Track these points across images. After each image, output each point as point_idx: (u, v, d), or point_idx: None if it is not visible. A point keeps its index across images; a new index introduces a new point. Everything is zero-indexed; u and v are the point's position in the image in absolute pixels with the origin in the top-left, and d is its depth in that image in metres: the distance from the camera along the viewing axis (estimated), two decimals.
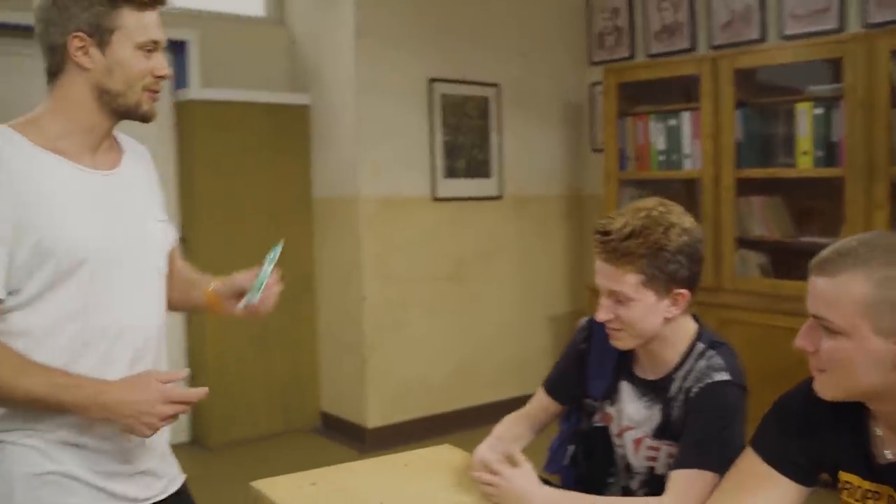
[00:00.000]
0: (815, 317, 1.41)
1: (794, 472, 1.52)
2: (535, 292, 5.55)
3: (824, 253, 1.42)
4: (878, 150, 3.87)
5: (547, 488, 1.84)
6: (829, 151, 4.14)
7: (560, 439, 2.19)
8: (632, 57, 5.40)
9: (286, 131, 5.05)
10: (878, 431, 1.45)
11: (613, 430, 1.97)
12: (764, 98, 4.53)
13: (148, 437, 1.58)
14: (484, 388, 5.16)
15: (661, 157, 4.84)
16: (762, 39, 4.69)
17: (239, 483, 2.07)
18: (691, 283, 1.83)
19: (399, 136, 4.91)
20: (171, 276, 1.88)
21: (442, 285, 5.10)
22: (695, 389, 1.79)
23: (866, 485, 1.47)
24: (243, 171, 4.91)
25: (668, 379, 1.87)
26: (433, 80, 5.03)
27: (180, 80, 4.80)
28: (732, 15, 4.85)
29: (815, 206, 4.40)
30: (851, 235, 1.41)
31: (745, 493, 1.53)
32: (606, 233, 1.82)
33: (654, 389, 1.90)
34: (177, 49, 4.77)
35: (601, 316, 1.86)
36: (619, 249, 1.78)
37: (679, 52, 5.08)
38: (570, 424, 2.18)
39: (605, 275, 1.84)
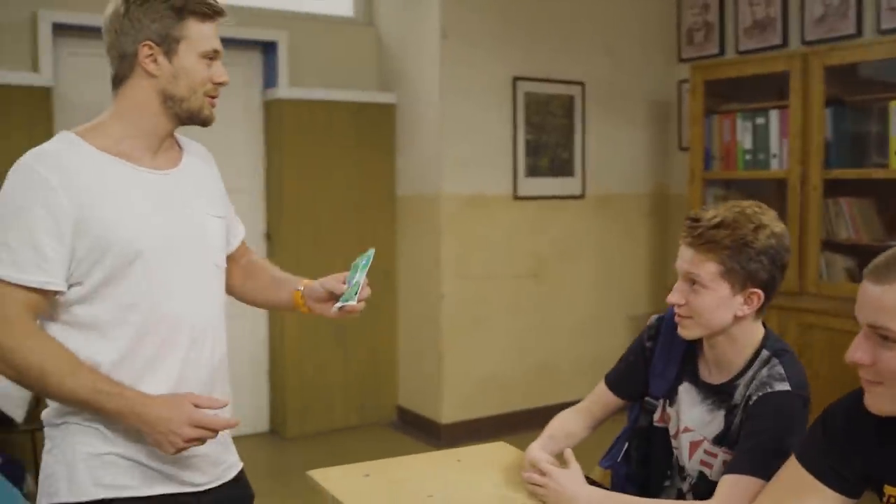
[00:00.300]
0: (871, 326, 1.37)
1: (838, 484, 1.49)
2: (616, 291, 5.51)
3: (879, 259, 1.39)
4: None
5: (592, 488, 1.85)
6: None
7: (622, 435, 2.19)
8: (721, 53, 5.30)
9: (372, 130, 5.15)
10: None
11: (671, 430, 1.97)
12: (856, 95, 4.38)
13: (171, 454, 1.63)
14: (560, 387, 5.15)
15: (748, 157, 4.74)
16: (858, 34, 4.54)
17: (301, 476, 2.14)
18: (768, 286, 1.82)
19: (482, 135, 4.95)
20: (253, 275, 2.00)
21: (521, 283, 5.12)
22: (754, 397, 1.78)
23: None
24: (329, 168, 5.03)
25: (732, 385, 1.86)
26: (517, 79, 5.05)
27: (270, 79, 4.95)
28: (826, 9, 4.71)
29: None
30: None
31: (788, 502, 1.51)
32: (697, 219, 1.84)
33: (717, 394, 1.88)
34: (267, 49, 4.92)
35: (673, 298, 1.87)
36: (704, 236, 1.80)
37: (770, 49, 4.96)
38: (631, 422, 2.18)
39: (686, 259, 1.84)
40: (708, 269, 1.80)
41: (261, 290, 2.02)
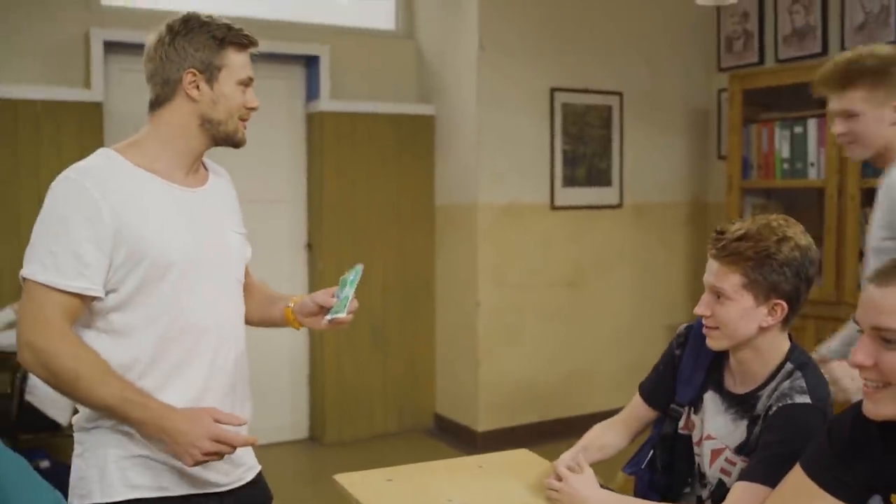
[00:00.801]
0: (873, 328, 1.41)
1: (841, 492, 1.52)
2: (654, 300, 5.52)
3: (883, 265, 1.43)
4: None
5: (604, 492, 1.90)
6: None
7: (648, 442, 2.21)
8: (761, 62, 5.29)
9: (411, 141, 5.25)
10: None
11: (694, 437, 2.00)
12: None
13: (189, 465, 1.71)
14: (597, 396, 5.17)
15: (786, 166, 4.73)
16: None
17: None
18: (793, 298, 1.84)
19: (519, 146, 5.01)
20: (249, 294, 2.07)
21: (557, 292, 5.16)
22: (774, 408, 1.80)
23: None
24: (369, 179, 5.13)
25: (755, 395, 1.88)
26: (555, 90, 5.10)
27: (312, 92, 5.07)
28: (867, 17, 4.68)
29: None
30: None
31: None
32: (722, 232, 1.88)
33: (740, 403, 1.91)
34: (309, 63, 5.04)
35: (699, 309, 1.90)
36: (728, 248, 1.83)
37: (810, 57, 4.93)
38: (658, 429, 2.21)
39: (711, 271, 1.88)
40: (731, 280, 1.83)
41: (256, 309, 2.09)
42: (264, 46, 1.94)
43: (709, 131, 5.71)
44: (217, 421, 1.73)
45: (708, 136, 5.71)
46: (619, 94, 5.33)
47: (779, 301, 1.83)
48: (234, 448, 1.74)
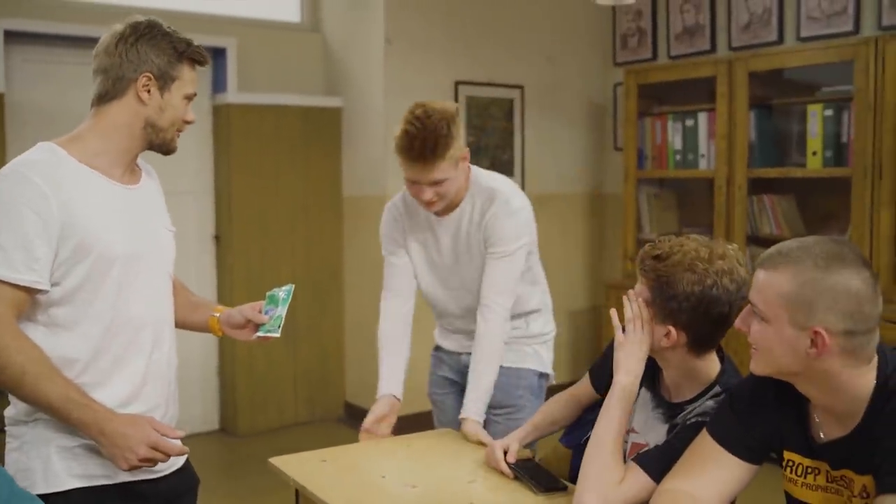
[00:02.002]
0: (750, 303, 1.62)
1: (742, 452, 1.69)
2: (554, 288, 5.66)
3: (770, 250, 1.61)
4: (885, 151, 4.00)
5: (635, 375, 1.91)
6: (838, 152, 4.27)
7: (588, 421, 2.22)
8: (654, 58, 5.55)
9: (318, 133, 5.29)
10: (816, 417, 1.64)
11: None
12: (778, 99, 4.66)
13: (123, 469, 1.75)
14: None
15: (678, 157, 5.00)
16: (780, 41, 4.81)
17: (262, 468, 2.30)
18: (689, 330, 1.85)
19: None
20: (176, 295, 2.11)
21: None
22: (691, 420, 1.87)
23: (807, 462, 1.65)
24: (277, 171, 5.16)
25: (681, 408, 1.93)
26: (459, 83, 5.23)
27: (219, 84, 5.06)
28: (751, 17, 4.97)
29: (825, 205, 4.53)
30: (845, 235, 1.58)
31: (699, 469, 1.71)
32: (654, 245, 1.92)
33: (668, 409, 1.97)
34: (216, 55, 5.03)
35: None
36: (644, 263, 1.90)
37: (699, 54, 5.21)
38: (597, 411, 2.28)
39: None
40: (644, 293, 1.89)
41: (178, 311, 2.12)
42: None
43: (605, 124, 5.95)
44: (155, 429, 1.77)
45: (605, 129, 5.96)
46: (521, 87, 5.50)
47: (671, 328, 1.85)
48: (169, 457, 1.79)
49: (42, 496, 1.73)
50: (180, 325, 2.16)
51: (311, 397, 5.41)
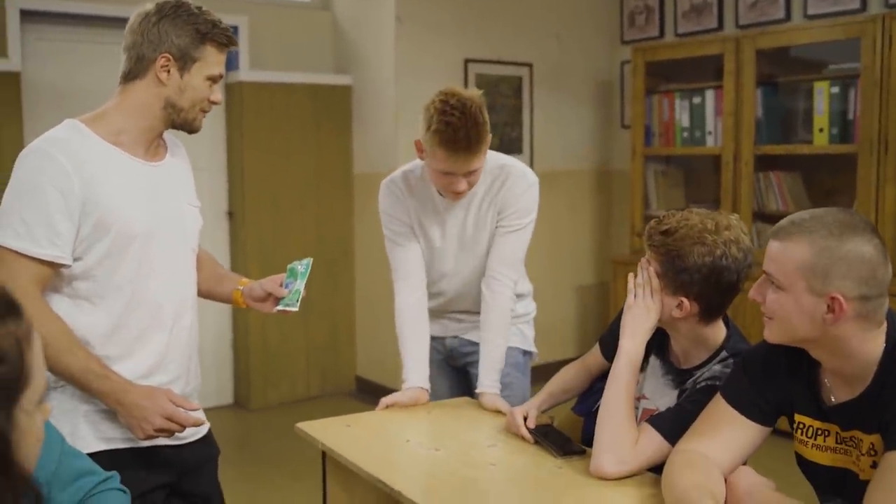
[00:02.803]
0: (765, 273, 1.67)
1: (755, 414, 1.76)
2: (563, 263, 5.81)
3: (783, 222, 1.67)
4: (891, 127, 4.06)
5: (639, 349, 1.99)
6: (843, 129, 4.33)
7: (594, 388, 2.30)
8: (661, 36, 5.59)
9: (329, 111, 5.35)
10: (827, 381, 1.71)
11: (635, 393, 2.09)
12: (785, 77, 4.71)
13: (140, 438, 1.83)
14: None
15: (685, 134, 5.05)
16: (787, 18, 4.85)
17: (276, 440, 2.36)
18: (701, 299, 1.91)
19: None
20: (199, 266, 2.15)
21: None
22: (702, 384, 1.95)
23: (817, 424, 1.72)
24: (288, 148, 5.22)
25: (690, 373, 2.01)
26: (469, 61, 5.28)
27: (231, 62, 5.08)
28: None
29: (831, 181, 4.60)
30: (851, 208, 1.62)
31: (713, 431, 1.78)
32: (659, 221, 1.98)
33: (678, 375, 2.05)
34: None
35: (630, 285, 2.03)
36: (652, 238, 1.96)
37: (706, 32, 5.25)
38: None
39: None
40: (654, 266, 1.95)
41: (203, 282, 2.17)
42: None
43: (613, 101, 6.00)
44: (171, 401, 1.83)
45: (612, 106, 6.00)
46: (530, 65, 5.55)
47: (683, 299, 1.92)
48: (184, 428, 1.85)
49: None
50: (206, 295, 2.22)
51: (323, 372, 5.50)
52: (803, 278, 1.59)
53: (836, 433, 1.69)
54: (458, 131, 2.27)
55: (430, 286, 2.67)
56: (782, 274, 1.62)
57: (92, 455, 1.83)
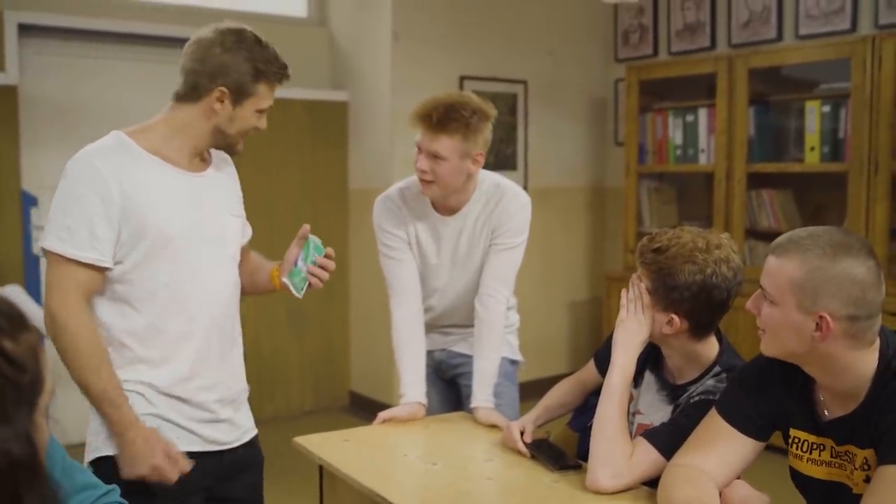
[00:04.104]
0: (761, 286, 1.70)
1: (749, 429, 1.79)
2: (556, 279, 5.84)
3: (781, 238, 1.70)
4: (881, 146, 4.11)
5: (631, 362, 2.00)
6: (834, 147, 4.38)
7: (589, 403, 2.32)
8: (655, 54, 5.64)
9: (325, 126, 5.38)
10: (821, 396, 1.73)
11: (631, 408, 2.13)
12: (777, 95, 4.77)
13: (122, 475, 1.85)
14: None
15: (678, 152, 5.10)
16: (779, 38, 4.91)
17: (271, 455, 2.38)
18: (691, 317, 1.94)
19: None
20: (244, 266, 2.21)
21: None
22: (696, 398, 1.97)
23: (812, 438, 1.75)
24: (284, 163, 5.25)
25: (685, 389, 2.03)
26: (464, 78, 5.32)
27: None
28: (751, 14, 5.07)
29: (822, 199, 4.64)
30: (846, 227, 1.66)
31: (708, 446, 1.80)
32: (651, 238, 2.01)
33: (672, 391, 2.07)
34: None
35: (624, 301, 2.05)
36: (644, 256, 1.99)
37: (700, 51, 5.31)
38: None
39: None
40: (645, 283, 1.98)
41: (248, 275, 2.23)
42: (179, 31, 2.00)
43: (607, 119, 6.05)
44: (169, 455, 1.88)
45: (606, 124, 6.05)
46: (524, 82, 5.60)
47: (674, 315, 1.94)
48: (171, 480, 1.88)
49: (104, 458, 1.91)
50: (251, 290, 2.26)
51: (317, 386, 5.50)
52: (793, 295, 1.62)
53: (832, 447, 1.71)
54: (434, 105, 2.39)
55: (422, 301, 2.70)
56: (774, 288, 1.65)
57: None
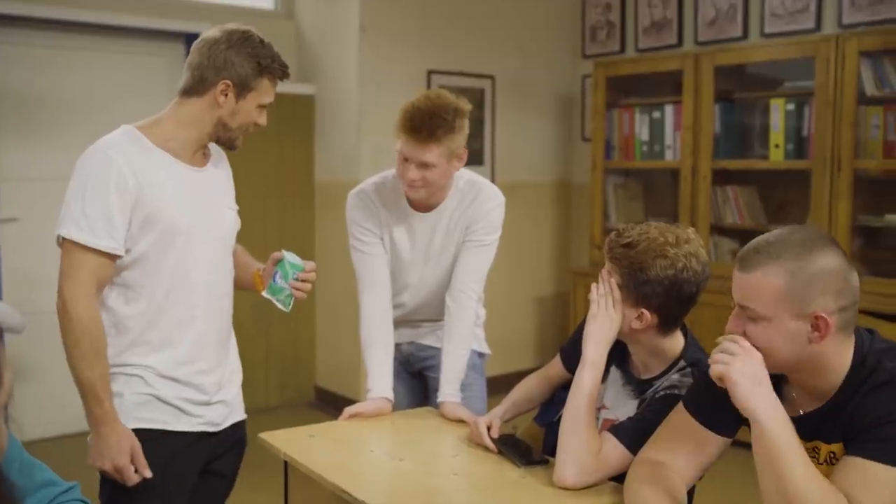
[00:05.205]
0: (740, 306, 1.66)
1: (716, 425, 1.78)
2: (523, 275, 5.84)
3: (744, 250, 1.66)
4: (844, 144, 4.15)
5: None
6: (798, 145, 4.43)
7: (556, 398, 2.34)
8: (622, 51, 5.67)
9: (291, 120, 5.34)
10: (793, 393, 1.72)
11: (596, 403, 2.11)
12: (742, 93, 4.81)
13: (89, 463, 1.99)
14: None
15: (644, 148, 5.13)
16: (744, 36, 4.96)
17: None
18: (662, 311, 1.95)
19: None
20: (234, 259, 2.30)
21: None
22: (661, 393, 1.98)
23: None
24: (250, 157, 5.18)
25: (650, 383, 2.04)
26: (432, 72, 5.30)
27: None
28: (717, 13, 5.11)
29: (786, 196, 4.69)
30: (802, 223, 1.63)
31: (675, 441, 1.81)
32: (619, 234, 2.01)
33: (637, 385, 2.08)
34: (190, 41, 5.04)
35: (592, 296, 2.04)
36: (613, 251, 1.99)
37: (666, 48, 5.35)
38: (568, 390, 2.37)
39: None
40: (615, 279, 1.98)
41: (235, 269, 2.31)
42: (144, 22, 2.10)
43: (574, 115, 6.07)
44: (135, 458, 1.99)
45: (573, 120, 6.07)
46: (492, 77, 5.59)
47: (644, 310, 1.95)
48: (129, 482, 1.99)
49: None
50: (236, 286, 2.34)
51: (282, 381, 5.47)
52: (785, 305, 1.58)
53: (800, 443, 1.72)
54: (418, 113, 2.39)
55: (393, 297, 2.69)
56: (762, 306, 1.60)
57: (141, 430, 2.02)
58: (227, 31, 2.08)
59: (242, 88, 2.07)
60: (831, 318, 1.56)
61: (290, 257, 2.29)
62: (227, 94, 2.06)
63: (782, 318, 1.58)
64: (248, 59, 2.06)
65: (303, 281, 2.29)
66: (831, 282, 1.57)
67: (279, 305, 2.28)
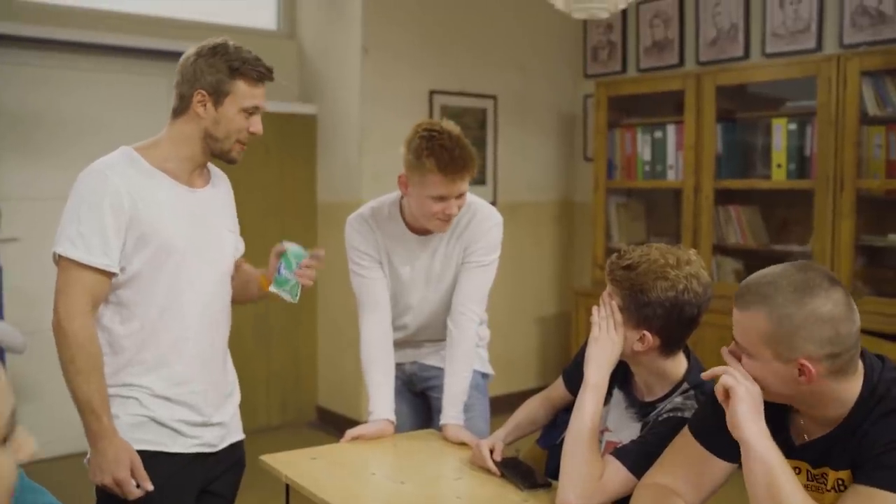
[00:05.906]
0: (735, 342, 1.68)
1: (722, 451, 1.77)
2: (525, 294, 5.83)
3: (742, 285, 1.67)
4: (846, 164, 4.15)
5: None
6: (801, 164, 4.42)
7: (558, 420, 2.32)
8: (624, 71, 5.68)
9: (293, 140, 5.34)
10: (801, 420, 1.72)
11: (599, 426, 2.09)
12: (744, 113, 4.81)
13: (93, 480, 2.00)
14: None
15: (647, 168, 5.13)
16: (746, 56, 4.96)
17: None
18: (663, 333, 1.94)
19: (399, 145, 5.15)
20: (238, 277, 2.31)
21: None
22: (664, 416, 1.97)
23: (787, 461, 1.73)
24: (252, 176, 5.19)
25: (653, 406, 2.03)
26: (434, 92, 5.31)
27: None
28: (719, 33, 5.12)
29: (788, 215, 4.68)
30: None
31: (680, 466, 1.79)
32: (620, 255, 2.00)
33: (641, 408, 2.07)
34: None
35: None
36: (614, 273, 1.99)
37: (668, 68, 5.35)
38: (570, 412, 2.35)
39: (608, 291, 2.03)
40: (616, 300, 1.97)
41: (241, 285, 2.33)
42: (146, 43, 2.12)
43: (576, 134, 6.07)
44: (135, 471, 1.99)
45: (575, 139, 6.08)
46: (494, 97, 5.60)
47: (645, 332, 1.94)
48: (130, 496, 1.99)
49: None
50: (246, 299, 2.37)
51: (284, 401, 5.44)
52: (768, 347, 1.59)
53: (808, 470, 1.69)
54: (452, 151, 2.38)
55: (395, 319, 2.70)
56: (748, 344, 1.63)
57: (138, 452, 2.02)
58: (200, 45, 2.10)
59: (218, 95, 2.07)
60: (816, 366, 1.55)
61: (291, 247, 2.28)
62: (205, 105, 2.07)
63: (767, 359, 1.60)
64: (219, 64, 2.06)
65: (307, 267, 2.27)
66: (819, 330, 1.55)
67: (287, 297, 2.25)
